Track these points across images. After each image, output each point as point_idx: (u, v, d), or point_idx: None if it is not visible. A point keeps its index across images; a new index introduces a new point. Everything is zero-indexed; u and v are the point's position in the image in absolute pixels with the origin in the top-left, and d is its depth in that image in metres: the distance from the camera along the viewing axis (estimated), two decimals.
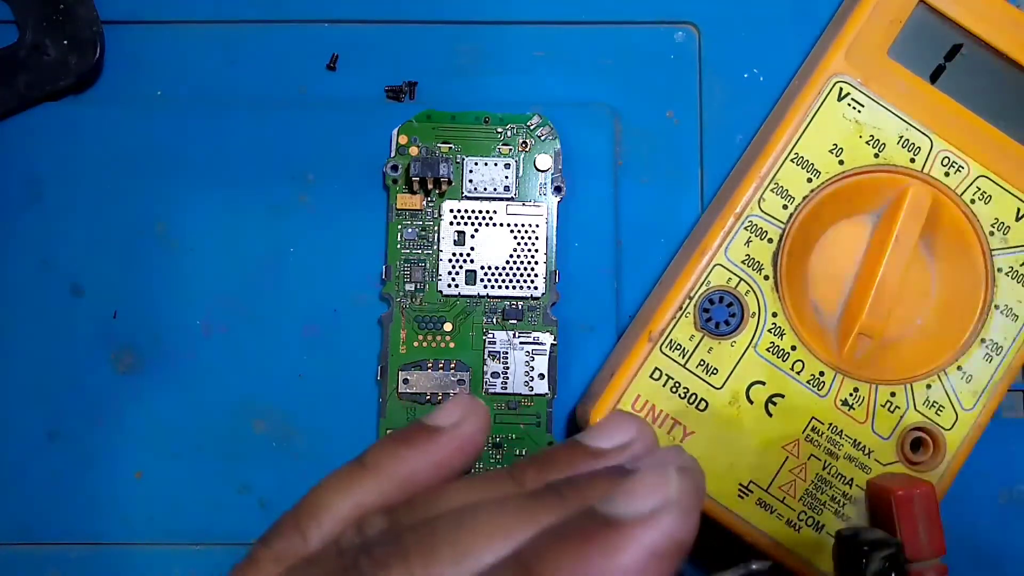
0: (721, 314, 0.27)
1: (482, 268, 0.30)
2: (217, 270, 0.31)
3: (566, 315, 0.30)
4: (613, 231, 0.31)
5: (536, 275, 0.30)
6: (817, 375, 0.27)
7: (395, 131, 0.30)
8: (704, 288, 0.27)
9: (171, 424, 0.30)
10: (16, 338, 0.30)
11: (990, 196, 0.28)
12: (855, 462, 0.27)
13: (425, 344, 0.30)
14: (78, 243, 0.31)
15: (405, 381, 0.30)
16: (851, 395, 0.27)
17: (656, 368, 0.27)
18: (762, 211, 0.27)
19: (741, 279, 0.27)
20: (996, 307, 0.27)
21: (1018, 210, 0.28)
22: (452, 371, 0.30)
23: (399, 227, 0.30)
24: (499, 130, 0.30)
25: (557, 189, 0.30)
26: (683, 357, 0.27)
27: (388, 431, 0.29)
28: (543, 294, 0.30)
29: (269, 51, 0.32)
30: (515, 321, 0.30)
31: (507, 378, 0.30)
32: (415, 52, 0.32)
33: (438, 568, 0.16)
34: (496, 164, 0.30)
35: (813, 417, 0.27)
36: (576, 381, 0.30)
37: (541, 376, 0.30)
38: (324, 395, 0.30)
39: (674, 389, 0.27)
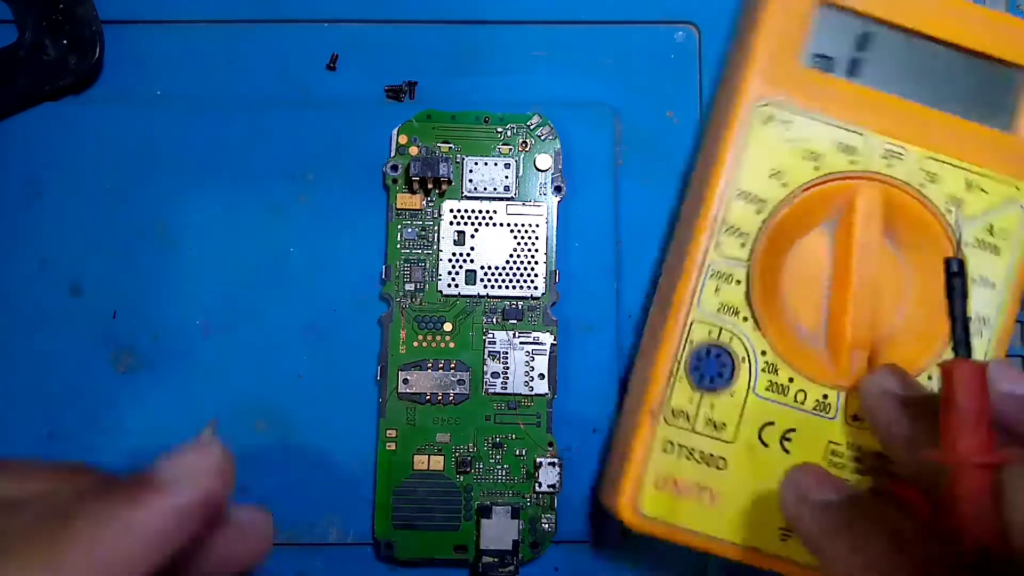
0: (712, 368, 0.27)
1: (482, 268, 0.30)
2: (217, 270, 0.31)
3: (566, 315, 0.30)
4: (613, 231, 0.31)
5: (536, 275, 0.30)
6: (821, 399, 0.27)
7: (395, 131, 0.30)
8: (688, 347, 0.27)
9: (171, 424, 0.30)
10: (16, 338, 0.30)
11: (936, 175, 0.27)
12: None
13: (425, 344, 0.30)
14: (78, 243, 0.31)
15: (405, 381, 0.29)
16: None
17: (667, 441, 0.26)
18: (722, 256, 0.27)
19: (721, 328, 0.27)
20: (972, 280, 0.27)
21: (966, 181, 0.27)
22: (452, 371, 0.30)
23: (399, 227, 0.30)
24: (499, 130, 0.30)
25: (557, 189, 0.30)
26: (689, 422, 0.26)
27: (387, 431, 0.29)
28: (543, 294, 0.30)
29: (269, 51, 0.32)
30: (515, 321, 0.30)
31: (507, 378, 0.30)
32: (415, 52, 0.32)
33: None
34: (496, 164, 0.30)
35: (830, 441, 0.26)
36: (575, 381, 0.30)
37: (541, 376, 0.29)
38: (324, 395, 0.30)
39: (689, 456, 0.26)
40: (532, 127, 0.30)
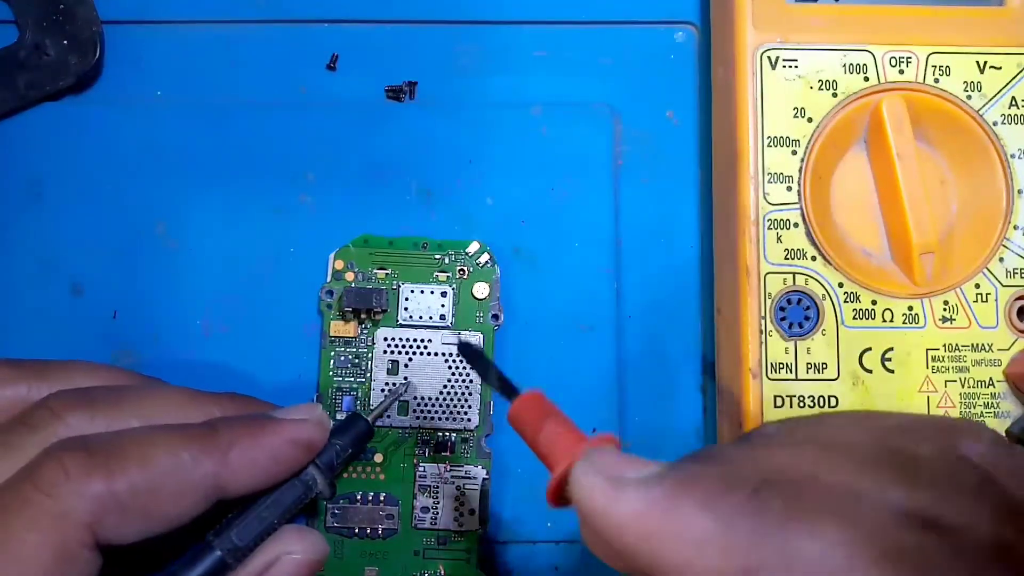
0: (797, 315, 0.27)
1: (415, 399, 0.29)
2: (217, 270, 0.31)
3: (566, 314, 0.30)
4: (613, 231, 0.31)
5: (470, 406, 0.29)
6: (908, 312, 0.27)
7: (331, 255, 0.30)
8: (769, 301, 0.27)
9: None
10: (16, 338, 0.30)
11: (948, 67, 0.28)
12: (983, 363, 0.27)
13: (355, 475, 0.29)
14: (78, 243, 0.31)
15: (334, 514, 0.28)
16: (945, 310, 0.27)
17: (775, 396, 0.27)
18: (773, 204, 0.28)
19: (794, 273, 0.27)
20: (1013, 156, 0.28)
21: (977, 63, 0.28)
22: (381, 505, 0.29)
23: (331, 354, 0.29)
24: (437, 256, 0.30)
25: (495, 317, 0.29)
26: (791, 372, 0.27)
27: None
28: (476, 426, 0.29)
29: (269, 51, 0.32)
30: (447, 454, 0.29)
31: (437, 513, 0.29)
32: (415, 52, 0.32)
33: (121, 418, 0.22)
34: (432, 292, 0.29)
35: (927, 349, 0.27)
36: (575, 381, 0.30)
37: (472, 511, 0.29)
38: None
39: (801, 404, 0.27)
40: (471, 254, 0.30)
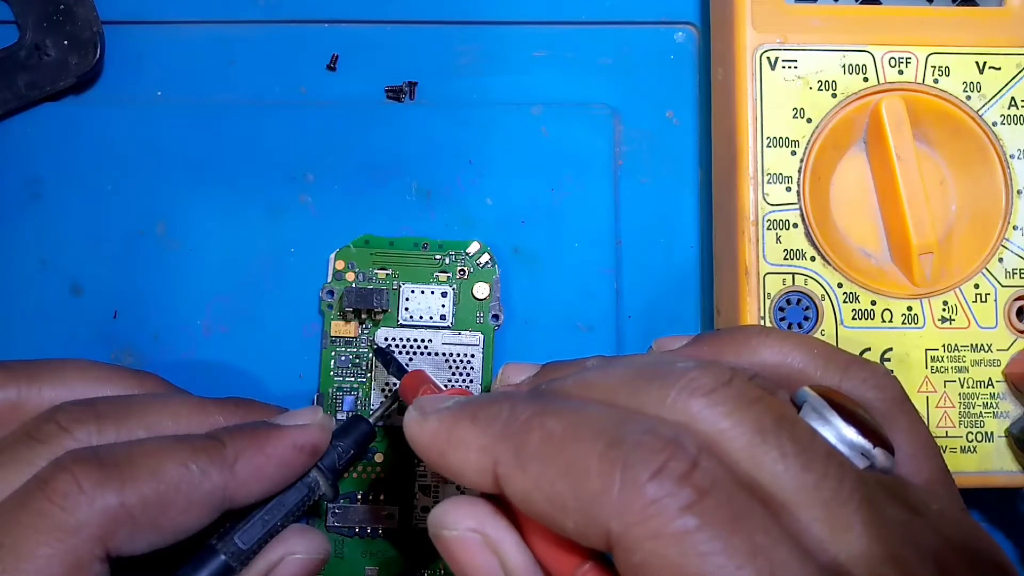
0: (796, 315, 0.27)
1: None
2: (217, 270, 0.31)
3: (566, 314, 0.30)
4: (613, 231, 0.31)
5: None
6: (907, 312, 0.28)
7: (332, 256, 0.30)
8: (768, 301, 0.27)
9: None
10: (16, 338, 0.30)
11: (947, 67, 0.28)
12: (982, 363, 0.27)
13: (356, 475, 0.29)
14: (78, 243, 0.31)
15: (334, 513, 0.29)
16: (944, 310, 0.28)
17: None
18: (772, 205, 0.28)
19: (793, 274, 0.27)
20: (1012, 156, 0.28)
21: (976, 63, 0.28)
22: (382, 503, 0.29)
23: (332, 354, 0.30)
24: (437, 256, 0.30)
25: (495, 317, 0.30)
26: None
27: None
28: None
29: (269, 51, 0.32)
30: None
31: None
32: (415, 52, 0.32)
33: (127, 430, 0.22)
34: (433, 292, 0.29)
35: (927, 350, 0.27)
36: None
37: None
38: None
39: None
40: (471, 254, 0.30)
